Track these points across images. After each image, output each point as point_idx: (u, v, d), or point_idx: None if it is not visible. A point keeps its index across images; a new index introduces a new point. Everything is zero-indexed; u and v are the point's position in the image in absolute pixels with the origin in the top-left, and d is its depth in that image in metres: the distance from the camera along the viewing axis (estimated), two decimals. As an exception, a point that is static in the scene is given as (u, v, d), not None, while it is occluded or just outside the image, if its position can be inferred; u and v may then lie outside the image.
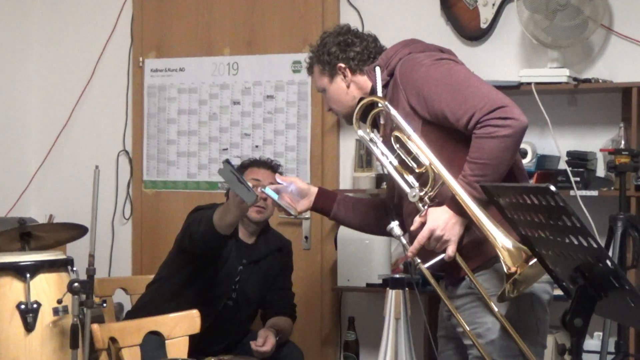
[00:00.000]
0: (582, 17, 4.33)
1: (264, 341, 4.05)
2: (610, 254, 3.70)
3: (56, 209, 5.30)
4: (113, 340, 3.51)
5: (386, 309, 2.31)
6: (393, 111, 2.86)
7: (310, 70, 3.26)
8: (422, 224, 2.80)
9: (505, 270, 2.62)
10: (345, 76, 3.11)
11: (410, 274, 4.43)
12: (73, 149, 5.50)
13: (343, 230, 4.68)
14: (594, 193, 4.19)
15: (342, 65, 3.09)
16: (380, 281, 4.51)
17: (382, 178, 4.62)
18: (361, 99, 3.01)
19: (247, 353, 4.03)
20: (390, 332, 2.29)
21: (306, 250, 4.98)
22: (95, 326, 3.47)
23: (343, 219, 3.37)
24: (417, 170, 2.85)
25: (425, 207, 2.81)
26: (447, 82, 2.87)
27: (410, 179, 2.84)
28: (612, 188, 4.09)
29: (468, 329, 2.77)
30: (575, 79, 4.30)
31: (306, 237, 4.99)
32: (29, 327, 3.50)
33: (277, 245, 4.36)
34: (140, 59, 5.39)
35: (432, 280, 2.80)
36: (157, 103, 5.36)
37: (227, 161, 3.21)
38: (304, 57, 4.93)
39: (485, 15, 4.67)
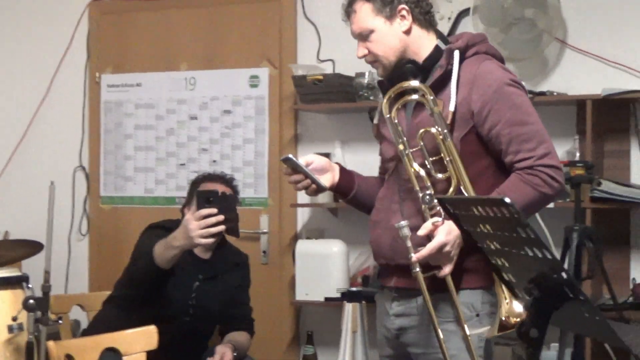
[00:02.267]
0: (537, 30, 4.37)
1: (221, 357, 4.03)
2: (565, 265, 3.74)
3: (11, 225, 5.27)
4: (69, 357, 3.48)
5: (343, 322, 2.30)
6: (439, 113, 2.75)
7: (351, 5, 2.95)
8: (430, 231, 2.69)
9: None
10: (405, 21, 2.90)
11: (369, 287, 4.47)
12: (29, 165, 5.46)
13: (301, 245, 4.69)
14: (550, 205, 4.22)
15: (407, 8, 2.89)
16: (339, 295, 4.50)
17: (340, 192, 4.62)
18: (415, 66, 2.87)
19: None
20: (347, 345, 2.29)
21: (264, 265, 4.98)
22: (51, 343, 3.44)
23: (363, 199, 3.13)
24: (434, 174, 2.76)
25: (441, 217, 2.69)
26: (518, 112, 2.82)
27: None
28: (568, 200, 4.10)
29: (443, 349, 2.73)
30: (530, 92, 4.31)
31: (264, 252, 4.99)
32: (-17, 344, 3.47)
33: (234, 259, 4.32)
34: (97, 75, 5.37)
35: (425, 294, 2.72)
36: (114, 119, 5.34)
37: (289, 158, 2.98)
38: (261, 72, 4.98)
39: (442, 28, 4.68)
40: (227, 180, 4.24)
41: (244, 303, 4.36)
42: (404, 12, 2.88)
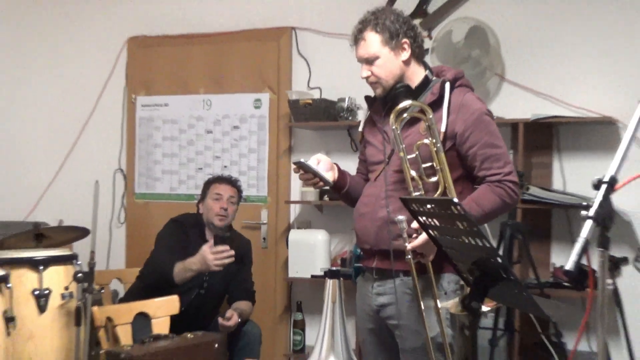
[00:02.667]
0: (481, 67, 4.39)
1: (230, 317, 4.05)
2: (500, 252, 3.76)
3: (65, 215, 5.25)
4: (109, 319, 3.50)
5: (325, 295, 2.32)
6: (435, 128, 2.73)
7: (360, 34, 2.89)
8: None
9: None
10: (405, 52, 2.86)
11: (346, 267, 4.49)
12: (79, 167, 5.45)
13: (293, 233, 4.71)
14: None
15: (408, 42, 2.86)
16: (322, 273, 4.52)
17: (324, 192, 4.64)
18: (409, 90, 2.85)
19: (216, 330, 4.02)
20: (328, 313, 2.31)
21: (264, 249, 4.98)
22: (95, 308, 3.47)
23: (352, 193, 3.08)
24: (425, 178, 2.75)
25: None
26: (492, 137, 2.84)
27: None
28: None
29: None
30: (475, 116, 4.36)
31: (264, 238, 4.99)
32: (41, 309, 3.47)
33: (239, 244, 4.31)
34: (133, 96, 5.36)
35: (415, 275, 2.71)
36: (146, 131, 5.33)
37: (300, 162, 2.92)
38: (263, 96, 5.00)
39: (406, 65, 4.71)
40: (232, 182, 4.26)
41: (247, 279, 4.39)
42: (405, 45, 2.86)
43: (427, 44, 4.56)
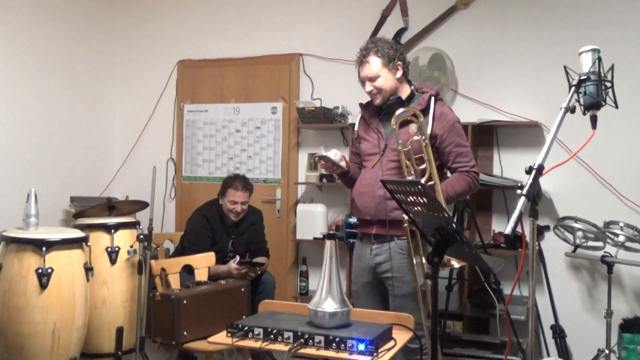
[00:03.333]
0: (440, 84, 4.35)
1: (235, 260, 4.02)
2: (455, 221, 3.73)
3: (130, 191, 5.23)
4: (164, 270, 3.49)
5: (325, 251, 2.29)
6: (425, 128, 2.75)
7: (365, 58, 2.88)
8: None
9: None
10: (399, 72, 2.88)
11: (339, 231, 4.46)
12: (141, 157, 5.41)
13: (300, 207, 4.67)
14: (446, 186, 4.22)
15: (400, 64, 2.88)
16: (321, 236, 4.51)
17: (323, 176, 4.61)
18: (400, 100, 2.86)
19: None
20: (327, 265, 2.27)
21: (278, 218, 4.95)
22: (153, 261, 3.46)
23: (353, 177, 3.05)
24: (416, 166, 2.75)
25: None
26: (461, 139, 2.89)
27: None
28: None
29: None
30: (435, 120, 4.33)
31: (278, 210, 4.96)
32: (112, 261, 3.47)
33: (252, 219, 4.27)
34: (182, 104, 5.31)
35: (409, 239, 2.74)
36: (191, 130, 5.28)
37: (324, 155, 2.90)
38: (278, 105, 4.96)
39: (384, 82, 4.67)
40: (244, 186, 4.16)
41: (262, 240, 4.34)
42: (399, 67, 2.88)
43: (400, 66, 4.55)
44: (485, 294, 3.91)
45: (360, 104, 3.08)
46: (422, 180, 2.65)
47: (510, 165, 4.28)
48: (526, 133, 4.24)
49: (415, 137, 2.74)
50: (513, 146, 4.29)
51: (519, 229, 1.79)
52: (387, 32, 4.63)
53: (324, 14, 4.89)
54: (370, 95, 2.94)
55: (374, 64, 2.86)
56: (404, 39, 4.59)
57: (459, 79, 4.45)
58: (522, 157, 4.25)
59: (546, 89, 4.21)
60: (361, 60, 2.90)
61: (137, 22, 5.52)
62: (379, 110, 2.95)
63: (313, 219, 4.58)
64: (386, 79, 2.87)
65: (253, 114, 5.07)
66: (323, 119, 4.60)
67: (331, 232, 4.56)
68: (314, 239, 4.56)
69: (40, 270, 3.03)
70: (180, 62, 5.33)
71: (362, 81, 2.94)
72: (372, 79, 2.87)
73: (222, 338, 2.23)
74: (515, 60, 4.31)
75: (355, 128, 3.07)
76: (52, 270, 3.06)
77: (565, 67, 2.02)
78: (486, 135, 4.35)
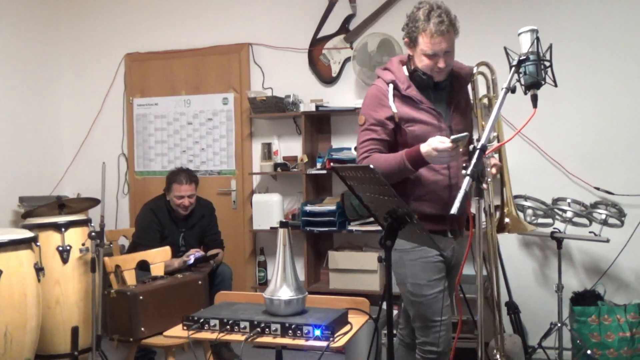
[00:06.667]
0: (390, 69, 4.38)
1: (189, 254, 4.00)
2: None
3: (82, 189, 5.15)
4: (118, 266, 3.44)
5: (278, 240, 2.30)
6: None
7: (449, 27, 2.38)
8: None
9: None
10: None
11: (295, 220, 4.48)
12: (91, 153, 5.32)
13: (255, 197, 4.66)
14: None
15: None
16: (277, 225, 4.49)
17: (277, 165, 4.60)
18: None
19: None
20: (281, 253, 2.28)
21: (234, 209, 4.93)
22: (106, 258, 3.41)
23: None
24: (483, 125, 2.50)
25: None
26: None
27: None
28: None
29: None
30: (386, 105, 4.35)
31: (234, 201, 4.94)
32: (64, 260, 3.41)
33: (202, 211, 4.23)
34: (130, 98, 5.23)
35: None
36: (142, 124, 5.20)
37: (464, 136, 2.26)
38: (229, 95, 4.93)
39: (335, 68, 4.69)
40: (189, 179, 4.11)
41: (215, 232, 4.31)
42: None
43: (349, 52, 4.56)
44: (441, 274, 3.97)
45: (394, 81, 2.49)
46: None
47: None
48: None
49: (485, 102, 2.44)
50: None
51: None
52: (336, 18, 4.64)
53: (272, 2, 4.86)
54: (433, 72, 2.43)
55: (452, 36, 2.40)
56: (352, 25, 4.61)
57: (408, 63, 4.48)
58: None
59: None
60: (443, 30, 2.35)
61: (81, 16, 5.40)
62: (425, 86, 2.47)
63: (269, 209, 4.57)
64: (454, 54, 2.44)
65: (204, 105, 5.03)
66: (275, 108, 4.59)
67: (285, 220, 4.59)
68: (271, 228, 4.55)
69: (-12, 273, 2.95)
70: (127, 55, 5.23)
71: (432, 54, 2.39)
72: (448, 54, 2.40)
73: (178, 331, 2.22)
74: (461, 43, 4.35)
75: (394, 110, 2.44)
76: (1, 272, 2.98)
77: (505, 48, 2.06)
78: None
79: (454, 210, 1.75)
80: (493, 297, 2.84)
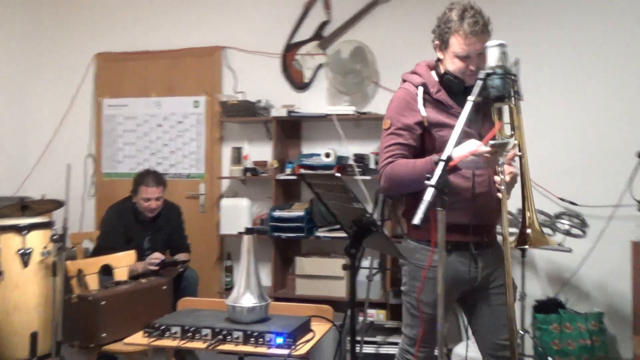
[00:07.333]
0: (362, 77, 4.41)
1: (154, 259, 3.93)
2: (376, 212, 3.78)
3: (47, 190, 5.04)
4: (80, 271, 3.38)
5: (242, 247, 2.28)
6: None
7: (484, 28, 2.25)
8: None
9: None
10: None
11: (264, 225, 4.45)
12: (58, 153, 5.22)
13: (223, 201, 4.62)
14: (369, 177, 4.28)
15: None
16: (244, 230, 4.46)
17: (247, 170, 4.57)
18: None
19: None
20: (245, 260, 2.27)
21: (202, 213, 4.89)
22: (68, 262, 3.35)
23: None
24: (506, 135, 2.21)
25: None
26: None
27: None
28: (378, 175, 4.12)
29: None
30: (358, 112, 4.37)
31: (202, 205, 4.90)
32: (25, 264, 3.34)
33: (169, 215, 4.18)
34: (100, 99, 5.16)
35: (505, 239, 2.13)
36: (111, 125, 5.13)
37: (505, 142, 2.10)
38: (200, 98, 4.89)
39: (308, 74, 4.69)
40: (157, 181, 4.06)
41: (182, 236, 4.26)
42: None
43: (323, 59, 4.57)
44: (408, 282, 3.99)
45: (424, 84, 2.37)
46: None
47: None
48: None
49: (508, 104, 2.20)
50: (433, 137, 4.39)
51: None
52: (310, 24, 4.65)
53: (246, 6, 4.85)
54: (465, 75, 2.29)
55: (486, 38, 2.23)
56: (327, 31, 4.61)
57: (380, 71, 4.51)
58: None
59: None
60: (478, 31, 2.22)
61: (51, 15, 5.32)
62: (455, 90, 2.34)
63: (237, 214, 4.54)
64: (485, 59, 2.17)
65: (175, 108, 4.98)
66: (246, 113, 4.57)
67: (250, 227, 4.57)
68: (239, 233, 4.51)
69: (-55, 275, 2.88)
70: (98, 55, 5.16)
71: (465, 56, 2.25)
72: (480, 56, 2.23)
73: (138, 339, 2.18)
74: (434, 53, 4.39)
75: (424, 114, 2.30)
76: (-41, 274, 2.91)
77: (471, 61, 2.07)
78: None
79: (416, 220, 1.76)
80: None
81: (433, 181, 1.80)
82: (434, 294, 2.19)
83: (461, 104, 2.20)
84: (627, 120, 4.07)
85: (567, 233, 3.73)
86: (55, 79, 5.28)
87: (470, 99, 2.01)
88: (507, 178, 2.11)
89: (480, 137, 2.24)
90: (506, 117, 2.19)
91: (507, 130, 2.18)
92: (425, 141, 2.32)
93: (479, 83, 2.03)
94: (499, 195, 2.15)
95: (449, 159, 1.87)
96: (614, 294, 4.05)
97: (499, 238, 2.28)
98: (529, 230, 2.10)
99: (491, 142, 2.01)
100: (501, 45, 2.05)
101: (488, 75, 2.04)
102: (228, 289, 4.66)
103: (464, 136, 2.16)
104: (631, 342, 3.96)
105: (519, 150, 2.15)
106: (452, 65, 2.30)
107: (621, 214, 3.93)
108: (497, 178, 2.13)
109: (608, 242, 4.00)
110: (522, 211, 2.13)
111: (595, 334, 3.79)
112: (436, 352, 2.16)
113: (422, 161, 2.20)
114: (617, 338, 4.02)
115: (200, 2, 4.95)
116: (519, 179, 2.15)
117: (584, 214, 3.89)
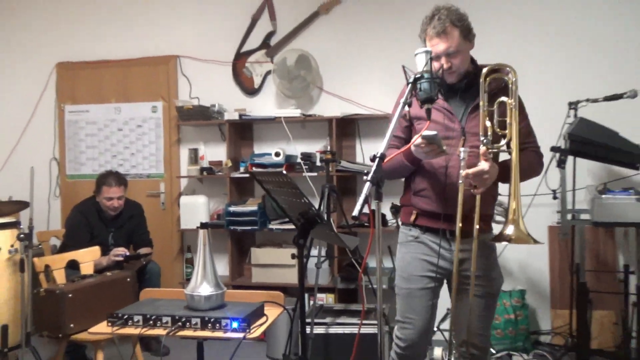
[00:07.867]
0: (306, 82, 4.42)
1: (117, 253, 3.86)
2: (322, 205, 3.81)
3: (14, 192, 4.86)
4: (47, 266, 3.29)
5: (198, 240, 2.28)
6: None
7: (444, 28, 2.17)
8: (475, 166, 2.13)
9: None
10: (471, 47, 2.25)
11: (220, 220, 4.43)
12: (23, 158, 5.07)
13: (183, 198, 4.58)
14: (315, 174, 4.31)
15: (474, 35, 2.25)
16: (200, 225, 4.43)
17: (203, 169, 4.54)
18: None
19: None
20: (201, 252, 2.26)
21: (163, 210, 4.83)
22: (35, 259, 3.26)
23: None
24: (498, 129, 2.15)
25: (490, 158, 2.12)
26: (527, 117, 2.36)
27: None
28: (324, 171, 4.17)
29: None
30: (304, 115, 4.39)
31: (163, 203, 4.84)
32: (-7, 262, 3.23)
33: (130, 212, 4.11)
34: (62, 105, 5.03)
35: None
36: (73, 130, 5.01)
37: (429, 136, 2.08)
38: (158, 104, 4.82)
39: (257, 80, 4.68)
40: (118, 181, 3.98)
41: (144, 232, 4.20)
42: (473, 40, 2.27)
43: (270, 66, 4.57)
44: (354, 268, 4.04)
45: (414, 81, 2.17)
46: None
47: (370, 154, 4.43)
48: (383, 124, 4.41)
49: (504, 98, 2.15)
50: (373, 136, 4.44)
51: (367, 210, 1.86)
52: (258, 34, 4.64)
53: (199, 18, 4.80)
54: (443, 73, 2.23)
55: (454, 36, 2.18)
56: (273, 41, 4.62)
57: (323, 77, 4.53)
58: (380, 146, 4.39)
59: (399, 85, 4.38)
60: (439, 31, 2.18)
61: (12, 25, 5.15)
62: (449, 88, 2.28)
63: (196, 210, 4.51)
64: (465, 56, 2.20)
65: (134, 113, 4.90)
66: (201, 116, 4.53)
67: (205, 221, 4.54)
68: (197, 227, 4.46)
69: None
70: (59, 64, 5.03)
71: (435, 56, 2.20)
72: (451, 55, 2.20)
73: (102, 328, 2.15)
74: (372, 59, 4.46)
75: (406, 108, 2.12)
76: None
77: (403, 67, 2.11)
78: (349, 127, 4.47)
79: (355, 212, 1.79)
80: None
81: (369, 176, 1.83)
82: (408, 267, 2.30)
83: (453, 101, 2.27)
84: (542, 117, 4.22)
85: (494, 220, 3.85)
86: (19, 87, 5.13)
87: (402, 101, 2.06)
88: (462, 172, 2.12)
89: (463, 132, 2.23)
90: (505, 116, 2.17)
91: (505, 128, 2.15)
92: (411, 133, 2.35)
93: (410, 87, 2.08)
94: (476, 190, 2.13)
95: (383, 156, 1.91)
96: (534, 273, 4.20)
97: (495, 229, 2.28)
98: (508, 231, 2.12)
99: (424, 133, 2.07)
100: (427, 52, 2.10)
101: (417, 79, 2.08)
102: (189, 279, 4.58)
103: (445, 130, 2.22)
104: (549, 314, 4.12)
105: (508, 147, 2.12)
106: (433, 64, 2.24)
107: (538, 202, 4.07)
108: (462, 172, 2.13)
109: (528, 226, 4.13)
110: (507, 208, 2.17)
111: (518, 309, 3.91)
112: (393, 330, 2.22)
113: (399, 154, 2.22)
114: (537, 312, 4.17)
115: (156, 14, 4.88)
116: (513, 175, 2.09)
117: (506, 203, 4.01)
